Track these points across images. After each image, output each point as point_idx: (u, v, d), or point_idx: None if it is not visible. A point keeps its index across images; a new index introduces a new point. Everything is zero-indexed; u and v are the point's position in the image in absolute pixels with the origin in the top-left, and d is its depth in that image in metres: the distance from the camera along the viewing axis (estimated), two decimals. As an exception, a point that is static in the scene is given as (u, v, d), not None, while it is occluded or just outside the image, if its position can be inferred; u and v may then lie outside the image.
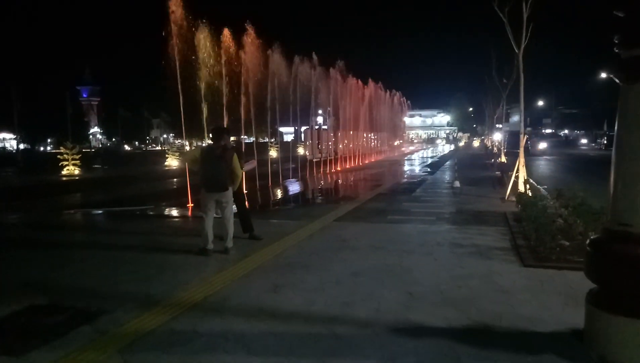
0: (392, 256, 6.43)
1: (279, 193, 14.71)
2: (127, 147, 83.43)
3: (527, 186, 9.75)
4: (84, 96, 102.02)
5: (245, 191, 8.36)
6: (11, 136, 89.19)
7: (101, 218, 11.02)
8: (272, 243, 7.33)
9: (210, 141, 7.66)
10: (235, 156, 6.64)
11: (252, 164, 8.16)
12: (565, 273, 5.47)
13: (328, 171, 24.63)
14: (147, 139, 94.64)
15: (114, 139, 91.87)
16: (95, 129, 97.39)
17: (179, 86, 13.50)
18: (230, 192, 6.65)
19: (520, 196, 8.58)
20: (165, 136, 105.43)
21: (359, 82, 37.15)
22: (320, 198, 13.61)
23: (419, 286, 5.11)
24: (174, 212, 11.67)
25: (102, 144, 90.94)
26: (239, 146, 7.93)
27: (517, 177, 11.61)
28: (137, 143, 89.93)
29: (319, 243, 7.31)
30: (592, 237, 3.75)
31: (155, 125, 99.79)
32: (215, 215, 6.76)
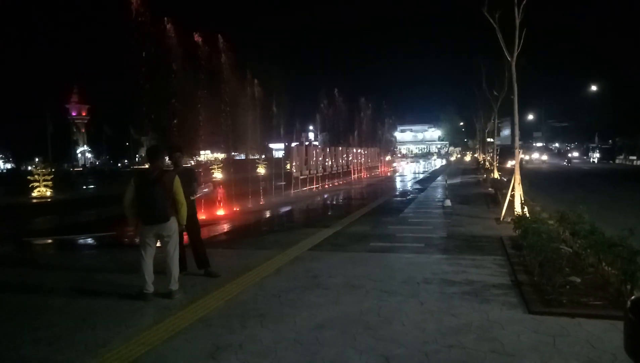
0: (369, 299, 5.31)
1: (254, 216, 13.54)
2: (119, 165, 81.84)
3: (525, 207, 8.74)
4: (73, 114, 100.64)
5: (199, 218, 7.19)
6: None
7: (42, 249, 9.75)
8: (230, 281, 6.19)
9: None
10: (176, 180, 5.52)
11: (206, 188, 7.06)
12: (581, 323, 4.38)
13: (314, 188, 23.52)
14: (137, 157, 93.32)
15: (103, 158, 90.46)
16: (84, 148, 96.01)
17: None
18: (172, 224, 5.52)
19: (520, 220, 7.54)
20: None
21: (346, 97, 36.37)
22: (299, 220, 12.49)
23: (399, 347, 3.99)
24: (135, 240, 10.48)
25: (90, 163, 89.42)
26: (189, 168, 6.81)
27: (512, 196, 10.60)
28: (126, 161, 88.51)
29: (285, 280, 6.17)
30: (633, 298, 2.67)
31: (145, 143, 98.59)
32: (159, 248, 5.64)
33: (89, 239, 10.51)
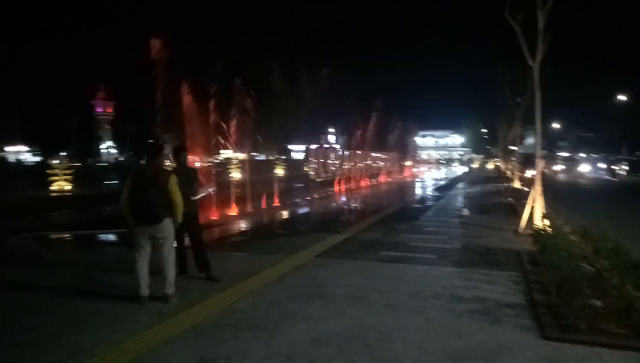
0: (372, 313, 5.01)
1: (265, 218, 13.32)
2: (142, 161, 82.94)
3: (545, 221, 8.31)
4: (98, 110, 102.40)
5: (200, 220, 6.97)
6: (26, 148, 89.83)
7: (47, 245, 9.59)
8: (230, 286, 5.97)
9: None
10: (172, 179, 5.30)
11: (208, 188, 6.84)
12: (600, 353, 4.00)
13: (330, 192, 23.23)
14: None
15: (126, 154, 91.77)
16: (108, 144, 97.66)
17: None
18: (167, 225, 5.31)
19: (539, 235, 7.13)
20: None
21: (367, 101, 36.01)
22: (309, 224, 12.21)
23: (398, 370, 3.69)
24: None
25: (114, 158, 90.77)
26: (191, 168, 6.61)
27: (532, 207, 10.15)
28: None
29: (286, 288, 5.92)
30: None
31: (168, 140, 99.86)
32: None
33: (98, 235, 10.43)
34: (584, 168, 47.84)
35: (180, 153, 6.35)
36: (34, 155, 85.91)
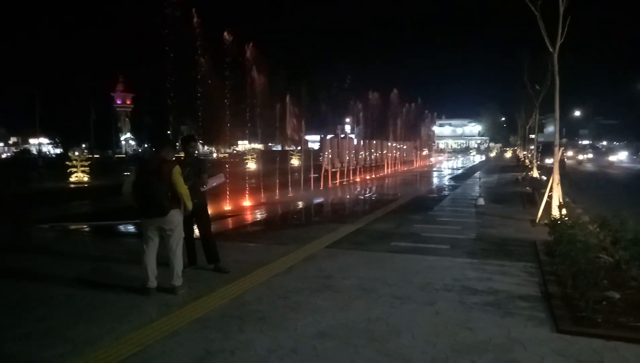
0: (380, 305, 4.91)
1: (278, 209, 13.27)
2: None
3: (562, 211, 8.06)
4: (118, 102, 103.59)
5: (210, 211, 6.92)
6: (48, 140, 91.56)
7: (61, 236, 9.70)
8: (238, 278, 5.93)
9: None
10: (175, 171, 5.24)
11: (218, 179, 6.79)
12: (617, 347, 3.85)
13: (345, 182, 23.10)
14: (177, 145, 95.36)
15: (144, 146, 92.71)
16: (127, 136, 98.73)
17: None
18: (173, 217, 5.27)
19: (555, 225, 6.92)
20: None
21: (384, 92, 35.63)
22: (321, 215, 12.12)
23: (404, 364, 3.60)
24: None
25: (133, 150, 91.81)
26: (200, 158, 6.54)
27: (550, 197, 9.90)
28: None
29: (295, 280, 5.85)
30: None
31: (185, 132, 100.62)
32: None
33: (111, 226, 10.51)
34: (618, 157, 43.16)
35: (188, 144, 6.31)
36: (55, 147, 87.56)
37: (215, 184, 6.75)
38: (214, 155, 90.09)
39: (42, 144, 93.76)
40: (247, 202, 13.99)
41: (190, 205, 5.43)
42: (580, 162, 38.18)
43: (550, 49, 9.85)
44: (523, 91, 22.37)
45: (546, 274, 5.90)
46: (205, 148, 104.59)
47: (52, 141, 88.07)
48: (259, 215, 12.36)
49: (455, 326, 4.34)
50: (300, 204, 14.73)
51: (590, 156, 48.17)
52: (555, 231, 6.59)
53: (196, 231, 6.46)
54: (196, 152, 6.57)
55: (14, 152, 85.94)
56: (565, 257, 5.40)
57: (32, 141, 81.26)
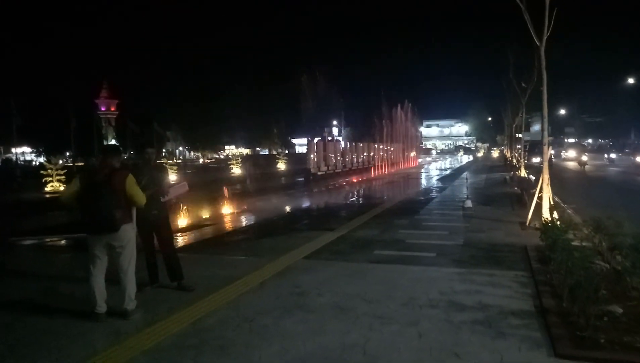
0: (357, 327, 4.37)
1: (258, 216, 12.67)
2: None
3: (554, 213, 7.65)
4: (102, 109, 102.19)
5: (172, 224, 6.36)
6: (30, 149, 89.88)
7: (17, 251, 8.90)
8: (203, 297, 5.36)
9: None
10: (129, 180, 4.68)
11: (180, 188, 6.22)
12: (626, 375, 3.35)
13: (330, 186, 22.55)
14: (164, 152, 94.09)
15: (128, 152, 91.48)
16: (112, 142, 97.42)
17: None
18: (126, 232, 4.69)
19: (547, 229, 6.46)
20: (180, 148, 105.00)
21: (370, 94, 35.19)
22: (303, 221, 11.55)
23: (380, 405, 3.06)
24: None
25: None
26: (160, 165, 5.98)
27: (540, 198, 9.46)
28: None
29: (265, 298, 5.30)
30: None
31: (171, 138, 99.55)
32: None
33: (77, 240, 9.84)
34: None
35: (144, 151, 5.74)
36: (37, 156, 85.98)
37: (177, 194, 6.17)
38: (200, 160, 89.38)
39: (25, 153, 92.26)
40: (225, 209, 13.38)
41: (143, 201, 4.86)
42: (583, 164, 29.57)
43: (537, 43, 9.43)
44: (509, 89, 22.05)
45: (540, 284, 5.42)
46: (192, 153, 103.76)
47: (35, 150, 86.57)
48: (236, 224, 11.76)
49: (441, 351, 3.82)
50: (281, 210, 14.16)
51: (614, 156, 37.96)
52: (548, 236, 6.11)
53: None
54: (161, 159, 6.01)
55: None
56: (561, 266, 4.92)
57: (14, 150, 79.74)
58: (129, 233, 4.75)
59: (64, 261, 7.82)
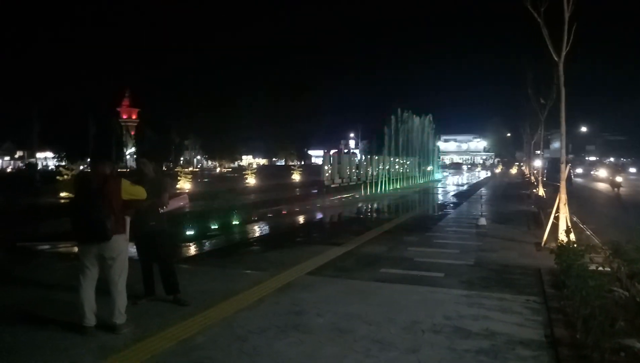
0: (354, 352, 4.13)
1: (267, 228, 12.49)
2: (164, 168, 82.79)
3: (570, 235, 7.31)
4: (124, 117, 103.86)
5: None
6: (53, 154, 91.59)
7: (19, 257, 8.78)
8: (197, 313, 5.16)
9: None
10: (125, 185, 4.58)
11: (180, 200, 6.07)
12: (643, 420, 3.04)
13: (343, 199, 22.29)
14: (181, 161, 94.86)
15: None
16: (132, 150, 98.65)
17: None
18: (117, 243, 4.54)
19: (562, 252, 6.13)
20: (198, 157, 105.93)
21: (389, 106, 34.93)
22: (311, 235, 11.32)
23: None
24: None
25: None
26: (159, 177, 5.83)
27: (556, 218, 9.11)
28: (170, 164, 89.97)
29: (262, 316, 5.08)
30: None
31: (190, 147, 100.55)
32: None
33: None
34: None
35: (140, 162, 5.62)
36: (59, 161, 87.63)
37: (177, 205, 6.02)
38: (217, 169, 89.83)
39: (47, 158, 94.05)
40: (235, 220, 13.24)
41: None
42: (617, 186, 25.17)
43: (556, 58, 9.15)
44: (528, 105, 21.64)
45: (552, 311, 5.11)
46: (209, 162, 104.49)
47: (57, 155, 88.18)
48: (243, 235, 11.59)
49: (441, 383, 3.56)
50: (291, 222, 13.97)
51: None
52: (562, 260, 5.78)
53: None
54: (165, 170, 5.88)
55: (19, 166, 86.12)
56: (575, 294, 4.61)
57: (38, 155, 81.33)
58: (121, 244, 4.59)
59: (65, 269, 7.69)
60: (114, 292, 4.57)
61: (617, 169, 31.36)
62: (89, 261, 4.54)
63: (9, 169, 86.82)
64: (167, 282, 5.58)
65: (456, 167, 76.32)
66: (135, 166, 6.50)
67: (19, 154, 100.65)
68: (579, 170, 51.04)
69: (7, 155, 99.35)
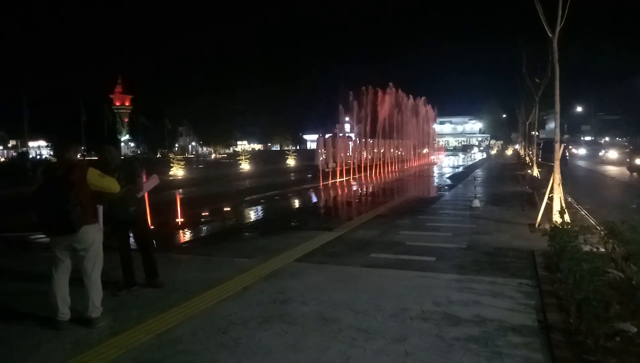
0: (338, 342, 3.96)
1: (258, 213, 12.30)
2: (159, 155, 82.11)
3: (564, 216, 7.14)
4: (117, 104, 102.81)
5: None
6: (46, 143, 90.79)
7: (2, 247, 8.68)
8: (179, 303, 4.98)
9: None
10: (91, 173, 4.38)
11: (152, 181, 5.85)
12: (639, 411, 2.88)
13: (337, 183, 22.10)
14: (176, 147, 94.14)
15: (142, 147, 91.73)
16: (126, 137, 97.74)
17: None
18: (87, 234, 4.33)
19: (555, 233, 5.96)
20: (193, 143, 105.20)
21: (379, 88, 34.55)
22: (302, 220, 11.12)
23: None
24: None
25: (132, 152, 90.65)
26: (130, 162, 5.65)
27: (550, 198, 8.93)
28: (165, 150, 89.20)
29: (245, 306, 4.90)
30: None
31: (184, 133, 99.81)
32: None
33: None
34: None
35: (105, 149, 5.39)
36: (52, 149, 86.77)
37: (151, 187, 5.82)
38: (212, 156, 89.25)
39: (41, 147, 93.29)
40: (226, 206, 13.04)
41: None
42: (637, 169, 21.00)
43: (549, 34, 8.88)
44: (523, 85, 21.35)
45: (545, 295, 4.95)
46: (204, 148, 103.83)
47: (49, 144, 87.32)
48: (233, 221, 11.40)
49: (428, 375, 3.39)
50: (282, 208, 13.77)
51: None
52: (556, 242, 5.62)
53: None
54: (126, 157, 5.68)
55: (12, 155, 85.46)
56: (568, 276, 4.45)
57: (30, 144, 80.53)
58: (91, 234, 4.37)
59: (47, 259, 7.50)
60: (87, 284, 4.38)
61: (636, 150, 23.34)
62: (60, 253, 4.33)
63: (1, 159, 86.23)
64: (149, 266, 5.44)
65: (464, 149, 75.89)
66: (106, 153, 6.13)
67: (12, 143, 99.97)
68: (581, 151, 48.88)
69: (0, 144, 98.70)
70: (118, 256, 5.42)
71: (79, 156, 4.64)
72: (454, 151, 77.69)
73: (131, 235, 5.53)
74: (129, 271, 5.43)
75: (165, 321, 4.52)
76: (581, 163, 34.00)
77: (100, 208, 4.68)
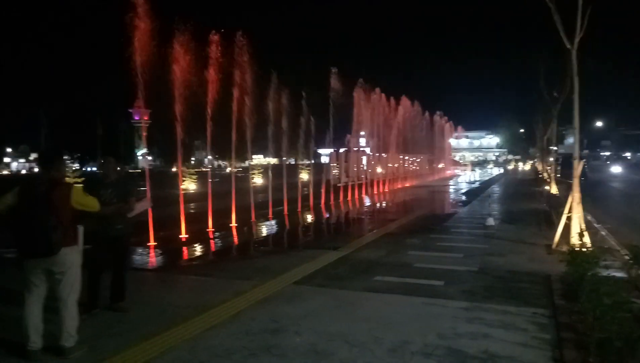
0: (328, 382, 3.56)
1: (263, 230, 11.95)
2: (174, 169, 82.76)
3: (584, 238, 6.66)
4: (136, 118, 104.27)
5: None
6: (65, 156, 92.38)
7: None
8: (162, 331, 4.63)
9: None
10: (75, 191, 4.12)
11: (144, 204, 5.58)
12: None
13: (349, 198, 21.68)
14: (192, 160, 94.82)
15: (158, 160, 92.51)
16: (144, 150, 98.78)
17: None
18: (67, 256, 4.02)
19: (574, 258, 5.49)
20: (209, 157, 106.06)
21: (395, 101, 34.16)
22: (308, 237, 10.75)
23: None
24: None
25: (150, 165, 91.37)
26: (126, 179, 5.39)
27: (569, 218, 8.43)
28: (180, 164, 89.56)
29: (233, 334, 4.53)
30: None
31: (200, 147, 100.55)
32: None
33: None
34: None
35: (106, 160, 5.14)
36: (72, 163, 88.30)
37: (142, 210, 5.55)
38: (227, 169, 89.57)
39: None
40: (232, 222, 12.73)
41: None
42: None
43: (568, 46, 8.47)
44: (540, 99, 20.81)
45: (562, 328, 4.48)
46: (220, 162, 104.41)
47: (70, 158, 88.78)
48: (237, 238, 11.05)
49: (425, 425, 2.97)
50: (290, 224, 13.40)
51: None
52: (574, 270, 5.15)
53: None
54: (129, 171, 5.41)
55: (32, 169, 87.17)
56: (588, 311, 3.99)
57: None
58: (70, 257, 4.07)
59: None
60: (62, 311, 4.06)
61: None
62: (35, 277, 4.03)
63: (23, 171, 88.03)
64: (119, 288, 5.17)
65: (480, 164, 74.72)
66: (105, 164, 6.15)
67: (33, 156, 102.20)
68: (617, 169, 46.00)
69: (22, 157, 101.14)
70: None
71: (66, 170, 4.37)
72: (471, 165, 76.70)
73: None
74: (96, 292, 5.13)
75: (145, 351, 4.18)
76: (614, 185, 30.62)
77: (81, 229, 4.39)
